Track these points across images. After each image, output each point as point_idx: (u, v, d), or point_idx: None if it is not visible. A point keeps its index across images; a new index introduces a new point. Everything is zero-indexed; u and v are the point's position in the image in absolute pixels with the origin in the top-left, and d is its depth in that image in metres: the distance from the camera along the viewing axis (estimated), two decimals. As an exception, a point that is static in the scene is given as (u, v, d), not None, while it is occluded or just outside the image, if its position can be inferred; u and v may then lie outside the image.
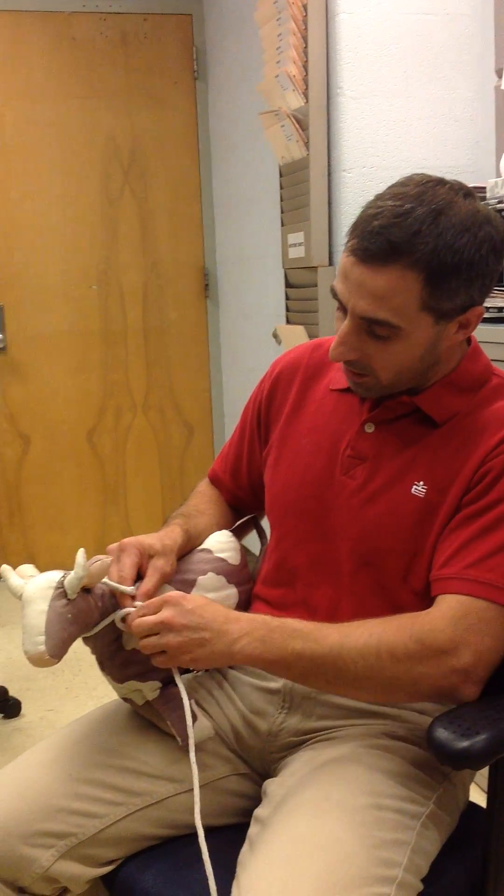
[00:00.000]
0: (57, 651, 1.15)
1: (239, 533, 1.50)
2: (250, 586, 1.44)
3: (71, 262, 3.90)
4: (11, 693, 2.83)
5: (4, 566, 1.24)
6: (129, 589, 1.23)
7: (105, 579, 1.23)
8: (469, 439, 1.24)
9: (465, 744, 1.07)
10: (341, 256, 1.21)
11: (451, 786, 1.27)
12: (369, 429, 1.32)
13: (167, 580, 1.30)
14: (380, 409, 1.31)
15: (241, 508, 1.56)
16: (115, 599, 1.25)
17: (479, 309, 1.21)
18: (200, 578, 1.36)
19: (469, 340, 1.32)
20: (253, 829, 1.19)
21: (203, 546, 1.41)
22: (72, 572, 1.17)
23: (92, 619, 1.21)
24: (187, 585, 1.34)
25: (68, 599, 1.17)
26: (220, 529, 1.46)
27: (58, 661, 1.16)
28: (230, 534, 1.45)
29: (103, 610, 1.23)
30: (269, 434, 1.46)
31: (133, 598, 1.23)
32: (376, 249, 1.14)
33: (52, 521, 4.04)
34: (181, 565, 1.37)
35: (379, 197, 1.19)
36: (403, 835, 1.14)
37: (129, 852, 1.29)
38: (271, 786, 1.26)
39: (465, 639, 1.14)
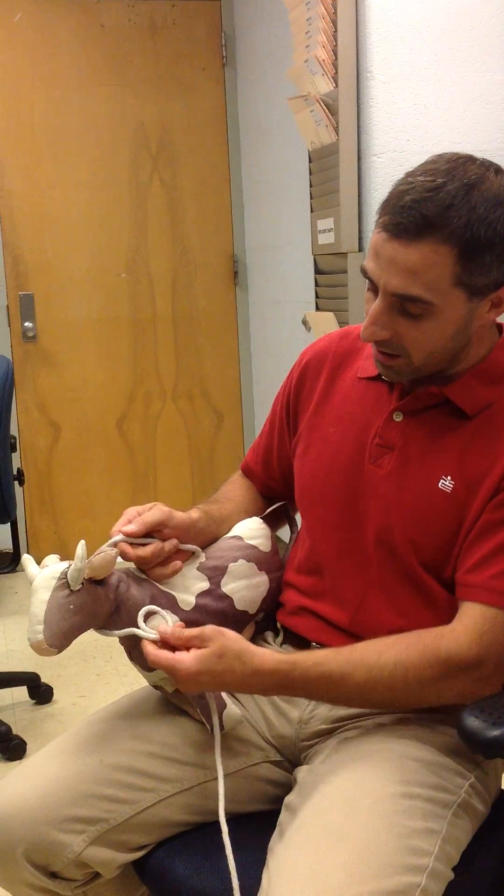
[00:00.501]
0: (55, 640, 1.17)
1: (272, 521, 1.49)
2: (281, 574, 1.44)
3: (100, 250, 3.91)
4: (43, 680, 2.84)
5: (25, 556, 1.26)
6: (150, 634, 1.21)
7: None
8: (501, 436, 1.22)
9: (496, 732, 1.07)
10: (372, 235, 1.20)
11: (484, 774, 1.26)
12: (398, 418, 1.31)
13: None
14: (409, 398, 1.30)
15: (274, 499, 1.55)
16: (131, 591, 1.25)
17: None
18: (231, 566, 1.36)
19: (501, 329, 1.31)
20: (283, 816, 1.19)
21: (233, 533, 1.41)
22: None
23: (102, 611, 1.22)
24: (218, 572, 1.34)
25: (71, 590, 1.18)
26: (248, 517, 1.46)
27: (58, 651, 1.18)
28: (261, 521, 1.45)
29: (117, 602, 1.24)
30: (298, 424, 1.46)
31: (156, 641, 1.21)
32: (409, 224, 1.13)
33: (83, 508, 4.06)
34: (211, 552, 1.37)
35: (410, 174, 1.18)
36: (434, 823, 1.14)
37: (159, 838, 1.30)
38: (302, 773, 1.26)
39: (490, 652, 1.17)
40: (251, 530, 1.42)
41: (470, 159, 1.17)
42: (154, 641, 1.20)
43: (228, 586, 1.35)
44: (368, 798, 1.13)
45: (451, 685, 1.18)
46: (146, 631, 1.22)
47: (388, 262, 1.16)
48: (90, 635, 1.26)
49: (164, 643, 1.19)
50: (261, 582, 1.39)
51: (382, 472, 1.29)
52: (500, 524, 1.19)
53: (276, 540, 1.46)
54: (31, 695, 2.83)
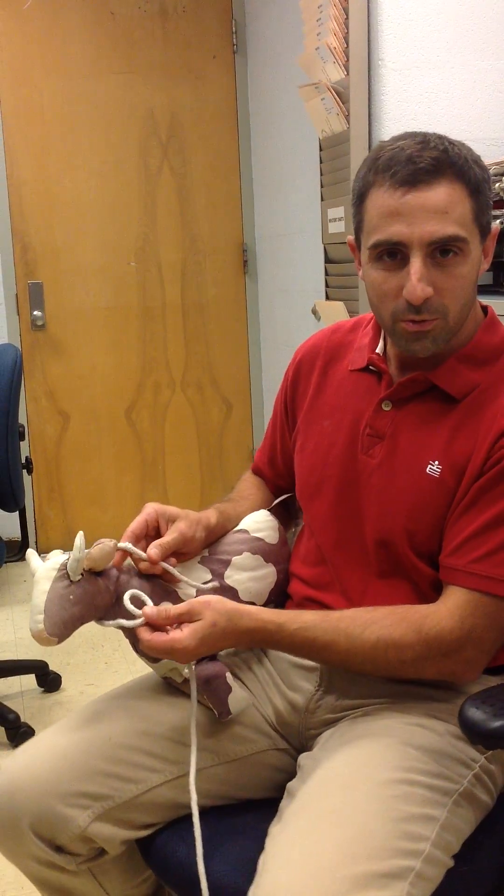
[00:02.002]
0: (56, 630, 1.18)
1: (283, 515, 1.50)
2: (288, 565, 1.45)
3: (109, 238, 3.90)
4: (52, 668, 2.85)
5: (29, 550, 1.27)
6: (137, 622, 1.22)
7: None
8: (485, 417, 1.22)
9: (497, 723, 1.07)
10: (377, 203, 1.19)
11: (490, 765, 1.26)
12: (386, 407, 1.31)
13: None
14: (396, 386, 1.30)
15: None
16: (132, 583, 1.26)
17: (496, 228, 1.25)
18: (235, 559, 1.37)
19: (486, 311, 1.31)
20: (283, 802, 1.20)
21: (239, 527, 1.42)
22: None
23: (102, 602, 1.23)
24: (222, 565, 1.35)
25: (70, 581, 1.19)
26: None
27: (59, 641, 1.19)
28: (268, 513, 1.45)
29: (118, 593, 1.24)
30: (296, 420, 1.47)
31: (146, 624, 1.22)
32: (426, 167, 1.16)
33: (91, 497, 4.06)
34: (218, 546, 1.38)
35: (385, 144, 1.22)
36: (433, 810, 1.14)
37: (165, 819, 1.31)
38: (305, 759, 1.27)
39: (471, 637, 1.18)
40: (257, 523, 1.43)
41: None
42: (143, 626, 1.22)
43: (232, 578, 1.36)
44: (366, 783, 1.14)
45: (432, 665, 1.20)
46: (133, 613, 1.22)
47: (419, 210, 1.17)
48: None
49: (153, 626, 1.20)
50: (268, 573, 1.40)
51: (374, 461, 1.30)
52: (483, 506, 1.19)
53: (284, 532, 1.46)
54: (40, 683, 2.84)
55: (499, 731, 1.07)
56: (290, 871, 1.04)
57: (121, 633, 1.25)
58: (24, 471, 2.65)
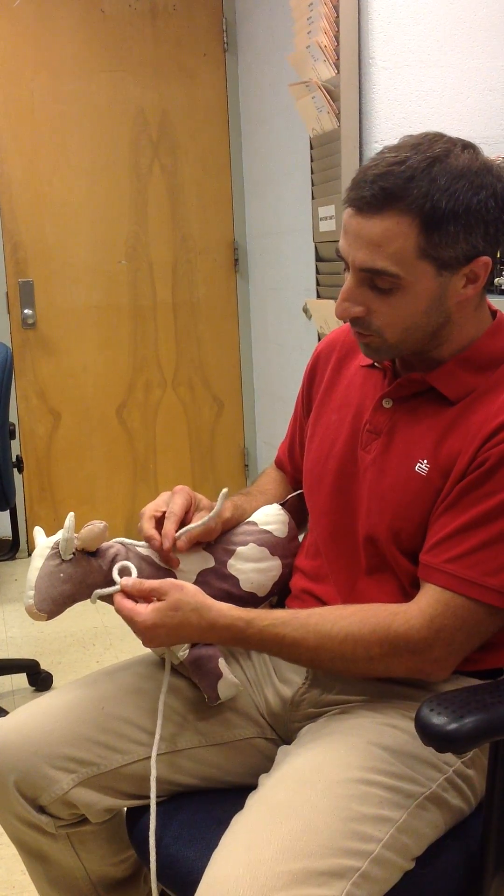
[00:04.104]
0: (45, 606, 1.23)
1: (299, 510, 1.51)
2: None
3: (100, 237, 3.90)
4: (43, 667, 2.85)
5: (37, 528, 1.32)
6: (115, 588, 1.27)
7: (127, 540, 1.28)
8: (476, 420, 1.22)
9: (452, 726, 1.04)
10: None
11: (468, 770, 1.25)
12: (387, 404, 1.32)
13: (208, 538, 1.36)
14: (395, 384, 1.30)
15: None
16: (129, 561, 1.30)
17: (484, 259, 1.18)
18: (240, 549, 1.39)
19: (495, 314, 1.30)
20: (251, 793, 1.21)
21: (250, 519, 1.45)
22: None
23: (94, 581, 1.27)
24: (227, 554, 1.38)
25: (62, 559, 1.24)
26: None
27: (49, 617, 1.25)
28: (279, 507, 1.48)
29: (109, 573, 1.28)
30: (311, 414, 1.48)
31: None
32: (370, 197, 1.15)
33: (83, 496, 4.05)
34: (225, 536, 1.41)
35: (378, 153, 1.20)
36: (391, 812, 1.14)
37: (147, 793, 1.31)
38: (280, 753, 1.28)
39: (439, 636, 1.18)
40: (267, 516, 1.45)
41: (439, 136, 1.19)
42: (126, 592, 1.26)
43: (235, 567, 1.38)
44: (323, 780, 1.14)
45: (399, 663, 1.20)
46: (116, 581, 1.27)
47: (355, 237, 1.18)
48: (90, 623, 1.28)
49: (129, 595, 1.25)
50: (273, 566, 1.41)
51: (369, 457, 1.31)
52: (464, 507, 1.19)
53: (295, 527, 1.48)
54: (31, 682, 2.84)
55: (450, 734, 1.04)
56: (231, 864, 1.05)
57: (111, 632, 1.26)
58: (15, 470, 2.65)
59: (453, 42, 2.55)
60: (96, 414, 4.02)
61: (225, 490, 1.38)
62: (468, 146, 1.18)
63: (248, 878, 1.02)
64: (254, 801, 1.16)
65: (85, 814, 1.32)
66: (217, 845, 1.11)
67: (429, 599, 1.19)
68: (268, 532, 1.43)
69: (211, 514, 1.34)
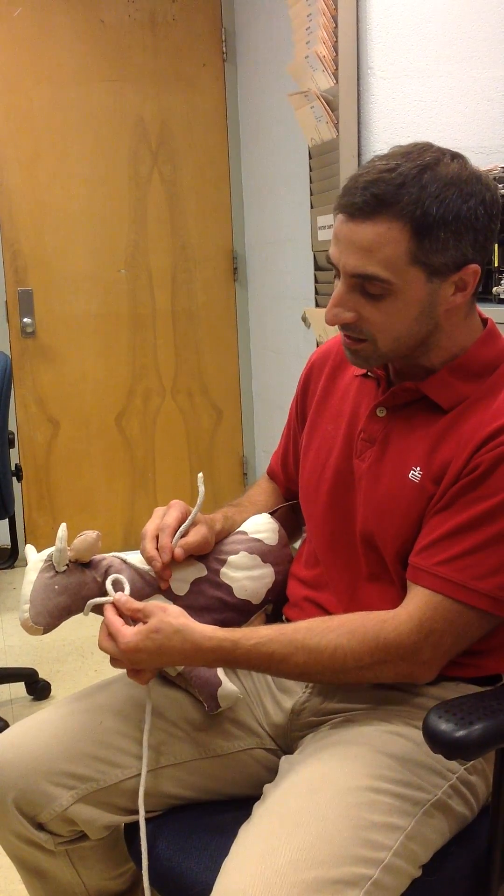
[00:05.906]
0: (41, 619, 1.22)
1: (291, 520, 1.52)
2: (289, 567, 1.47)
3: (99, 245, 3.90)
4: (41, 676, 2.84)
5: (28, 545, 1.32)
6: (107, 599, 1.26)
7: (126, 557, 1.29)
8: (469, 427, 1.22)
9: (460, 733, 1.05)
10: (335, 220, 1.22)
11: (471, 777, 1.25)
12: (381, 413, 1.32)
13: (203, 551, 1.36)
14: (389, 393, 1.31)
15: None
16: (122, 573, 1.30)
17: (473, 267, 1.19)
18: (232, 557, 1.39)
19: (485, 323, 1.31)
20: (256, 804, 1.21)
21: (239, 529, 1.45)
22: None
23: (88, 593, 1.27)
24: (219, 563, 1.38)
25: (56, 572, 1.25)
26: None
27: (44, 630, 1.24)
28: (269, 517, 1.48)
29: (103, 585, 1.28)
30: (305, 423, 1.48)
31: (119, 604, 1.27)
32: (361, 203, 1.16)
33: (81, 504, 4.05)
34: (217, 546, 1.40)
35: (369, 161, 1.21)
36: (399, 819, 1.14)
37: (149, 808, 1.32)
38: (283, 762, 1.28)
39: (428, 639, 1.18)
40: (257, 525, 1.45)
41: (428, 146, 1.20)
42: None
43: (227, 576, 1.38)
44: (332, 789, 1.14)
45: (389, 668, 1.20)
46: (109, 594, 1.26)
47: (346, 242, 1.18)
48: (88, 632, 1.28)
49: (119, 611, 1.25)
50: (265, 573, 1.41)
51: (364, 465, 1.32)
52: (455, 511, 1.20)
53: (285, 535, 1.48)
54: (29, 691, 2.83)
55: (459, 741, 1.05)
56: (244, 875, 1.05)
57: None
58: (14, 478, 2.64)
59: (451, 52, 2.56)
60: (95, 422, 4.02)
61: (200, 475, 1.42)
62: (457, 156, 1.20)
63: (261, 887, 1.02)
64: (262, 811, 1.15)
65: (85, 831, 1.31)
66: (217, 854, 1.11)
67: (418, 602, 1.19)
68: (258, 540, 1.43)
69: (197, 504, 1.35)
